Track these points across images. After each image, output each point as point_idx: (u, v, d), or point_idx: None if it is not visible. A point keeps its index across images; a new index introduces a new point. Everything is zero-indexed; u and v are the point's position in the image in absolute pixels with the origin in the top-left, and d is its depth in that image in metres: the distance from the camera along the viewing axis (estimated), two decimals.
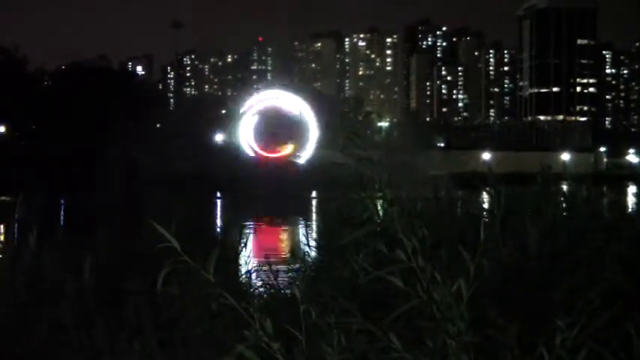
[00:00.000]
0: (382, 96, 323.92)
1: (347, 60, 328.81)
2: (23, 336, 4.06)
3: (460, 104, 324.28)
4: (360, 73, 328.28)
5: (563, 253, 3.82)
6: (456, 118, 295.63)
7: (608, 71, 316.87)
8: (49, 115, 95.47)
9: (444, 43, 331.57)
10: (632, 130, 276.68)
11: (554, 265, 3.77)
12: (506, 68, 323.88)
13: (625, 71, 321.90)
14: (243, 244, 5.69)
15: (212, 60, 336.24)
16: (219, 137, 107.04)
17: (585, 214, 4.21)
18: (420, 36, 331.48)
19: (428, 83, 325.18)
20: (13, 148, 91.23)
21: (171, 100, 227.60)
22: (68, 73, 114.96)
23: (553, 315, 3.17)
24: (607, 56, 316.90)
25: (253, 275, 5.20)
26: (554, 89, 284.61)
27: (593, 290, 3.47)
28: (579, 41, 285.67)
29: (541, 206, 4.10)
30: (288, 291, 4.59)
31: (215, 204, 57.99)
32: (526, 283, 3.67)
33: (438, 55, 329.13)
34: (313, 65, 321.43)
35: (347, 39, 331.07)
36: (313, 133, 78.79)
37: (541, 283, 3.65)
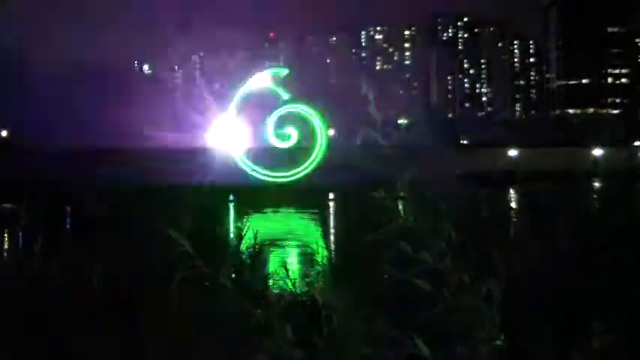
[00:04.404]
0: (401, 92, 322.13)
1: (363, 54, 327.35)
2: (30, 343, 4.00)
3: (484, 98, 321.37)
4: (378, 67, 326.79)
5: (598, 252, 3.65)
6: (480, 114, 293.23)
7: None
8: (54, 118, 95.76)
9: (466, 35, 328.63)
10: None
11: (588, 265, 3.60)
12: (532, 59, 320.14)
13: None
14: (259, 250, 5.60)
15: (222, 58, 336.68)
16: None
17: (620, 211, 4.04)
18: (439, 28, 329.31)
19: (449, 77, 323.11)
20: (16, 154, 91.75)
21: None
22: (74, 75, 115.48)
23: (588, 318, 3.01)
24: (639, 44, 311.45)
25: (271, 281, 5.10)
26: (584, 81, 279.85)
27: (630, 291, 3.31)
28: (609, 29, 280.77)
29: (573, 204, 3.95)
30: (308, 296, 4.47)
31: (228, 208, 57.77)
32: (559, 284, 3.51)
33: (460, 48, 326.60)
34: (328, 60, 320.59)
35: (363, 32, 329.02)
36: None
37: (574, 284, 3.49)
